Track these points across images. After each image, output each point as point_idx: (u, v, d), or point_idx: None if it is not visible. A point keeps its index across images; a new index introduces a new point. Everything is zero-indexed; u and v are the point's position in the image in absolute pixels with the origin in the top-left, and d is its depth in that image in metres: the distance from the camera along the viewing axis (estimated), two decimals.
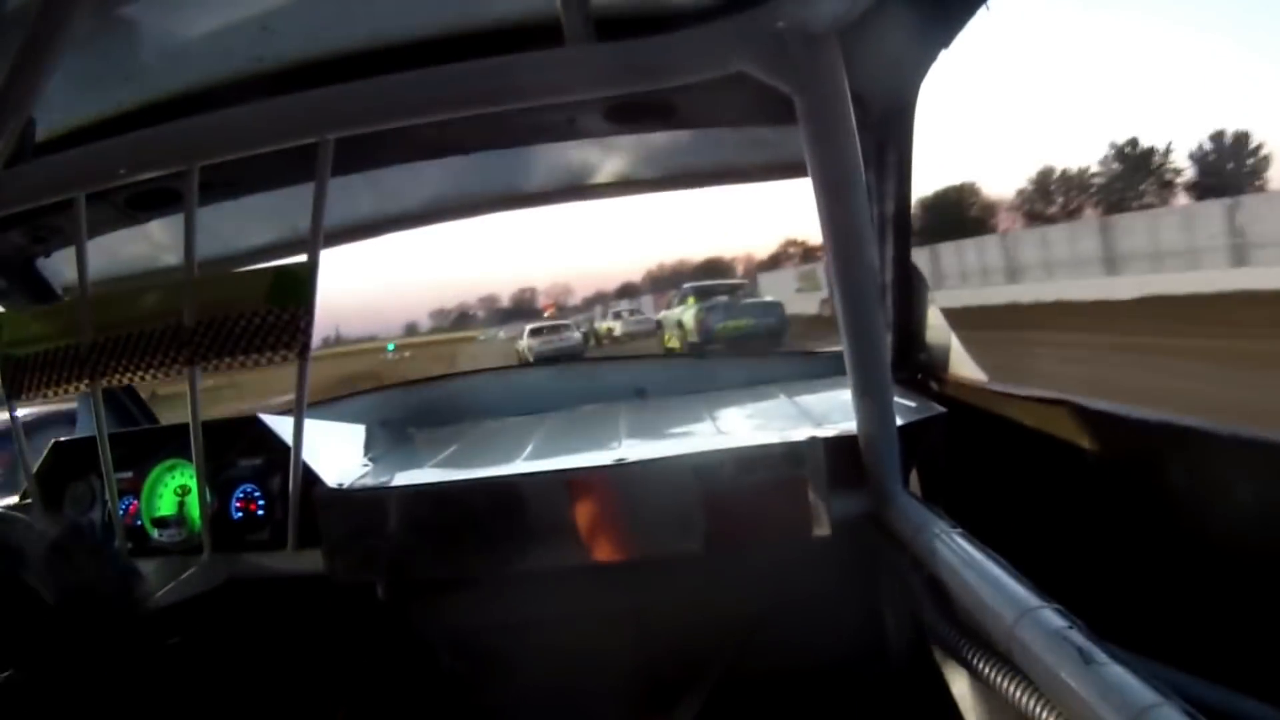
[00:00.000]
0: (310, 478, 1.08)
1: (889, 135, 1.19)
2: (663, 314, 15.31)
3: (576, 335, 17.08)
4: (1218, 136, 30.05)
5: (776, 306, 13.30)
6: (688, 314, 12.66)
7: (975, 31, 0.92)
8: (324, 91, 0.93)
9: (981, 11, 0.88)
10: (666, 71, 0.91)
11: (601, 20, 0.90)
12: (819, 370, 1.59)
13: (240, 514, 1.15)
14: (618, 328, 19.51)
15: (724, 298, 13.23)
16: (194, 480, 1.11)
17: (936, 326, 1.31)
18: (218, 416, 1.23)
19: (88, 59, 0.94)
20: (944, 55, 0.99)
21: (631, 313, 21.49)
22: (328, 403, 1.73)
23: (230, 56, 1.02)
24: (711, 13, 0.88)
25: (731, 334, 11.66)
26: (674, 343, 13.27)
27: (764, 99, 0.88)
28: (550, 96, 0.97)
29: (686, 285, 15.02)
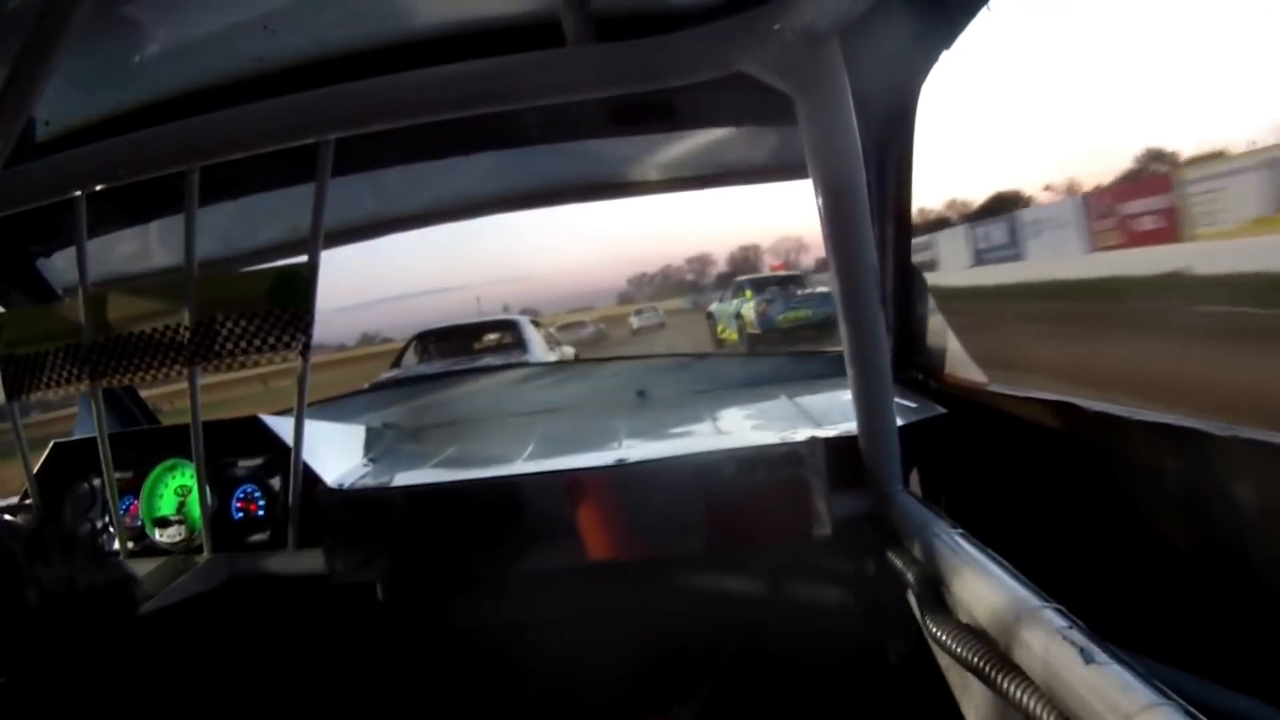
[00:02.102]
0: (310, 478, 1.09)
1: (889, 135, 1.19)
2: (714, 307, 15.13)
3: (591, 328, 21.66)
4: None
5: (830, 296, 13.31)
6: (747, 306, 12.42)
7: (977, 32, 0.92)
8: (324, 91, 0.93)
9: (983, 12, 0.88)
10: (667, 72, 0.91)
11: (602, 20, 0.90)
12: (819, 370, 1.59)
13: (240, 514, 1.15)
14: (635, 322, 23.91)
15: (776, 289, 12.91)
16: (194, 480, 1.11)
17: (936, 327, 1.31)
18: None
19: (88, 59, 0.94)
20: (945, 56, 1.00)
21: (651, 310, 26.40)
22: (328, 403, 1.73)
23: (231, 56, 1.01)
24: (711, 13, 0.88)
25: (791, 324, 11.47)
26: (730, 335, 13.07)
27: (764, 99, 0.88)
28: (550, 97, 0.97)
29: (741, 278, 14.94)
